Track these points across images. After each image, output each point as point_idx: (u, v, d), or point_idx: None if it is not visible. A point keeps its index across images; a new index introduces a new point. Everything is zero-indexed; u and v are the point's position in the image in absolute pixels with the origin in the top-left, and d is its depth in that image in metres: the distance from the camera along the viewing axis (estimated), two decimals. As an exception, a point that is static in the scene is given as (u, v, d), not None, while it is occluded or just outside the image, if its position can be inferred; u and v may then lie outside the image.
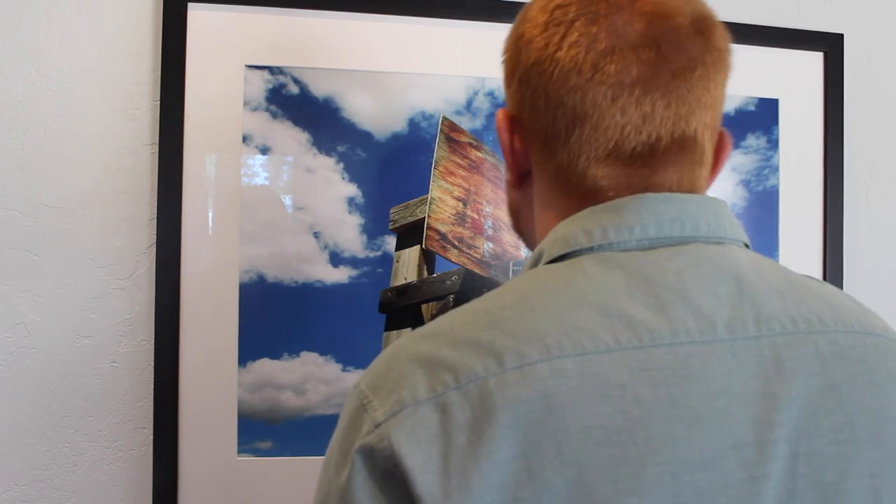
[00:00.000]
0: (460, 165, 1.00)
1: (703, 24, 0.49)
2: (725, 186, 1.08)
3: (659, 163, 0.49)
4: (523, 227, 0.59)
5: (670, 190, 0.49)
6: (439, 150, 0.99)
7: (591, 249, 0.47)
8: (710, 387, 0.41)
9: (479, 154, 1.01)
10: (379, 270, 0.97)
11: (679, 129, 0.48)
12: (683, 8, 0.49)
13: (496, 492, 0.38)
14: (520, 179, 0.55)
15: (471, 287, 1.00)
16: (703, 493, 0.39)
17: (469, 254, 1.00)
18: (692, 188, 0.50)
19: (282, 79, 0.95)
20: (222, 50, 0.94)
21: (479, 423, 0.39)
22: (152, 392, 0.92)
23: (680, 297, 0.44)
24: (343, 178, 0.97)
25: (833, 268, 1.11)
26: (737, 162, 1.09)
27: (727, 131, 0.54)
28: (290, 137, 0.96)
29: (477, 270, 1.00)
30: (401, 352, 0.44)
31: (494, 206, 1.01)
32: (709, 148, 0.51)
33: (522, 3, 1.00)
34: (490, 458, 0.38)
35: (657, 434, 0.39)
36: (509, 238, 1.01)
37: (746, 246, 0.51)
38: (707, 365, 0.42)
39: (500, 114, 0.55)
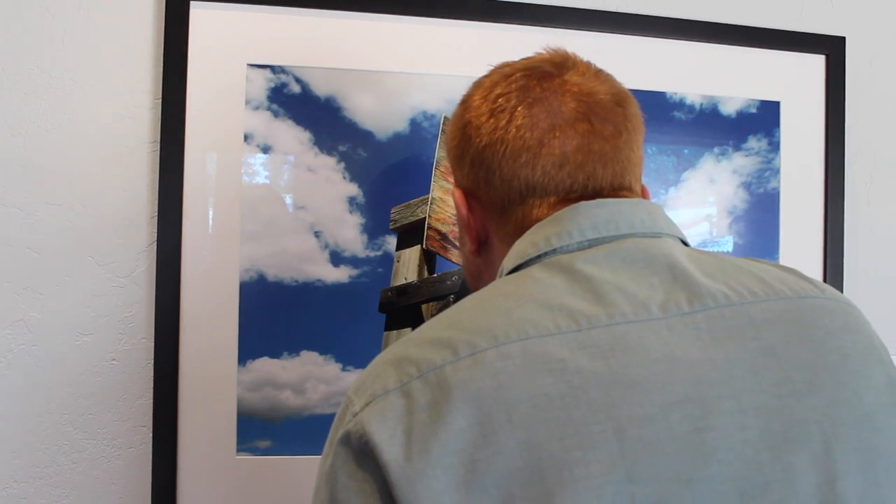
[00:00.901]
0: (461, 166, 1.00)
1: (619, 98, 0.59)
2: (727, 188, 1.08)
3: (604, 197, 0.58)
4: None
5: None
6: (440, 150, 0.99)
7: (539, 257, 0.54)
8: (649, 356, 0.47)
9: (480, 154, 1.00)
10: (379, 270, 0.97)
11: (616, 182, 0.58)
12: (602, 87, 0.59)
13: (455, 455, 0.43)
14: (480, 247, 0.63)
15: (471, 287, 1.00)
16: (651, 443, 0.44)
17: (469, 254, 1.00)
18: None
19: (283, 78, 0.95)
20: (224, 48, 0.94)
21: (438, 402, 0.45)
22: (152, 390, 0.92)
23: (616, 288, 0.50)
24: (344, 178, 0.97)
25: (833, 270, 1.11)
26: (738, 164, 1.09)
27: (646, 186, 0.64)
28: (292, 136, 0.96)
29: (477, 271, 1.00)
30: (378, 360, 0.51)
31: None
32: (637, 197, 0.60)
33: (523, 5, 1.00)
34: (447, 429, 0.43)
35: (597, 397, 0.44)
36: (510, 239, 1.01)
37: (684, 243, 0.57)
38: (643, 339, 0.47)
39: (455, 192, 0.63)
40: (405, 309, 0.98)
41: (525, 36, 1.01)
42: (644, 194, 0.63)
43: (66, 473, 0.92)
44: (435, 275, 0.99)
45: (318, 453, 0.96)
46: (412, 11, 0.98)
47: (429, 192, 0.99)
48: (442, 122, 0.99)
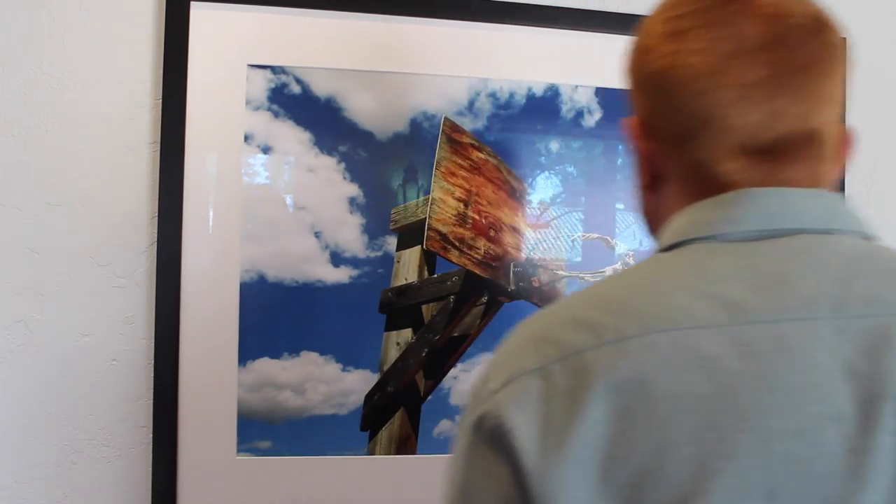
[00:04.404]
0: (462, 166, 1.00)
1: (819, 23, 0.51)
2: (727, 189, 1.08)
3: (785, 157, 0.50)
4: (657, 229, 0.60)
5: (794, 184, 0.51)
6: (441, 151, 0.99)
7: (699, 240, 0.50)
8: (810, 361, 0.43)
9: (480, 155, 1.01)
10: (380, 271, 0.97)
11: (805, 125, 0.50)
12: (798, 8, 0.51)
13: (591, 449, 0.41)
14: (653, 182, 0.57)
15: (471, 288, 1.00)
16: (800, 460, 0.41)
17: (470, 254, 1.00)
18: (814, 182, 0.52)
19: (284, 78, 0.95)
20: (224, 49, 0.94)
21: (576, 389, 0.43)
22: (152, 390, 0.92)
23: (781, 281, 0.45)
24: (344, 178, 0.97)
25: (834, 271, 1.11)
26: (738, 165, 1.09)
27: (852, 128, 0.56)
28: (292, 137, 0.96)
29: (477, 271, 1.00)
30: (517, 334, 0.49)
31: (496, 207, 1.01)
32: (832, 143, 0.53)
33: (524, 5, 1.00)
34: (584, 420, 0.42)
35: (746, 403, 0.41)
36: (510, 239, 1.01)
37: (868, 237, 0.51)
38: (806, 341, 0.43)
39: (628, 121, 0.57)
40: (405, 309, 0.98)
41: (525, 36, 1.01)
42: (846, 138, 0.55)
43: (66, 474, 0.92)
44: (435, 275, 0.99)
45: (319, 453, 0.96)
46: (412, 11, 0.98)
47: (429, 193, 0.99)
48: (442, 122, 0.99)
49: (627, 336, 0.44)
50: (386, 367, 0.98)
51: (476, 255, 1.00)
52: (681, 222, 0.52)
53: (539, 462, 0.42)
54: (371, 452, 0.97)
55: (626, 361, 0.43)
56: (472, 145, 1.00)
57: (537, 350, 0.46)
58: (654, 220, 0.60)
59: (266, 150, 0.95)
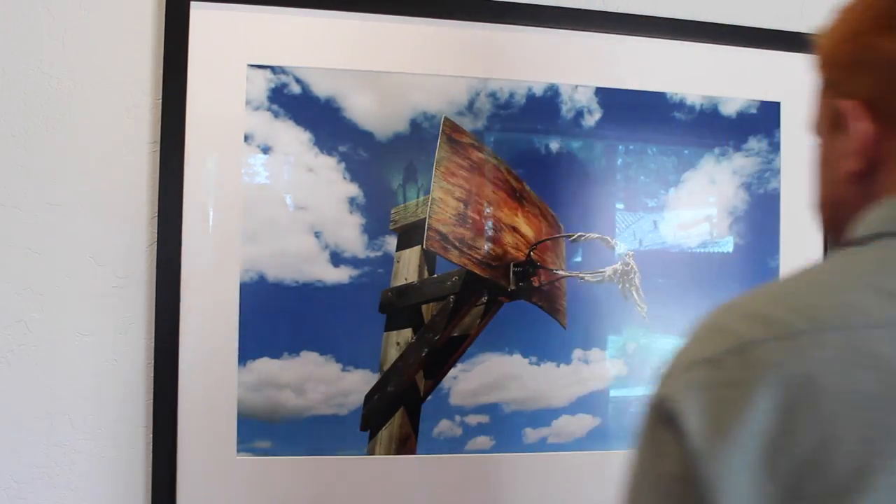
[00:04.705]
0: (462, 166, 1.00)
1: None
2: (727, 189, 1.08)
3: None
4: (845, 223, 0.57)
5: None
6: (441, 151, 0.99)
7: (891, 235, 0.49)
8: None
9: (480, 155, 1.01)
10: (379, 271, 0.97)
11: None
12: None
13: (755, 438, 0.42)
14: (868, 168, 0.54)
15: (471, 288, 1.00)
16: None
17: (470, 254, 1.00)
18: None
19: (284, 78, 0.95)
20: (224, 49, 0.94)
21: (745, 381, 0.44)
22: (152, 390, 0.92)
23: None
24: (344, 178, 0.97)
25: (834, 271, 1.11)
26: (738, 165, 1.09)
27: None
28: (292, 137, 0.96)
29: (477, 271, 1.00)
30: (701, 323, 0.50)
31: (495, 207, 1.01)
32: None
33: (524, 5, 1.00)
34: (750, 410, 0.43)
35: None
36: (510, 239, 1.01)
37: None
38: None
39: (846, 104, 0.54)
40: (405, 309, 0.98)
41: (525, 36, 1.01)
42: None
43: (65, 473, 0.92)
44: (435, 275, 0.99)
45: (319, 453, 0.96)
46: (412, 11, 0.98)
47: (429, 193, 0.99)
48: (442, 122, 0.99)
49: (799, 332, 0.44)
50: (386, 367, 0.98)
51: (476, 255, 1.00)
52: (878, 215, 0.51)
53: (705, 447, 0.43)
54: (371, 452, 0.97)
55: (795, 357, 0.43)
56: (472, 145, 1.00)
57: (713, 340, 0.47)
58: (841, 210, 0.57)
59: (266, 150, 0.95)
